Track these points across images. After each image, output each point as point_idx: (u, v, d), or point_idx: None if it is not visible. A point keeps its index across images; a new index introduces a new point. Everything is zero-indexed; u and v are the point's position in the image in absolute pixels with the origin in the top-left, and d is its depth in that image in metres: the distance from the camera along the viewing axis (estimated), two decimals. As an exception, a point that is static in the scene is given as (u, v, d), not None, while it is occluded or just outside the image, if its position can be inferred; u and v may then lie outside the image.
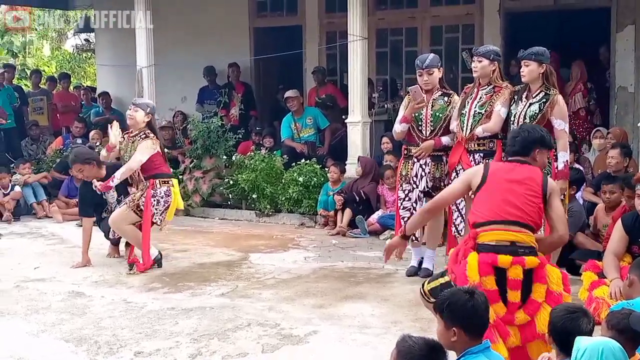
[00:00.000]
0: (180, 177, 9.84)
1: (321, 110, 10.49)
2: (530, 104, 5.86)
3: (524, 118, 5.85)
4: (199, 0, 11.99)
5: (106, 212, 7.14)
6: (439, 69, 6.37)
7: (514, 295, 3.85)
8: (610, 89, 9.67)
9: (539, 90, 5.86)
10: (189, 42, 12.13)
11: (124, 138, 6.97)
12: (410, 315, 5.42)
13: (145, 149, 6.77)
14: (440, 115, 6.33)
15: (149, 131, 6.87)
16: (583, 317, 3.32)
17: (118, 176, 6.76)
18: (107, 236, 7.26)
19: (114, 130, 6.94)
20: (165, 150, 10.23)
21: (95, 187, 6.89)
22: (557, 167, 5.74)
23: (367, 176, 8.69)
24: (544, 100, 5.82)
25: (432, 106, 6.31)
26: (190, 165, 9.76)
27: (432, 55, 6.44)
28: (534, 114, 5.80)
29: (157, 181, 6.83)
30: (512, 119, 5.95)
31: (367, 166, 8.73)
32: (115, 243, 7.38)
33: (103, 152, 7.13)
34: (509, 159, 4.28)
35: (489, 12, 10.21)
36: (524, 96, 5.95)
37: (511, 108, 5.99)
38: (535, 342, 3.86)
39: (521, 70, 5.92)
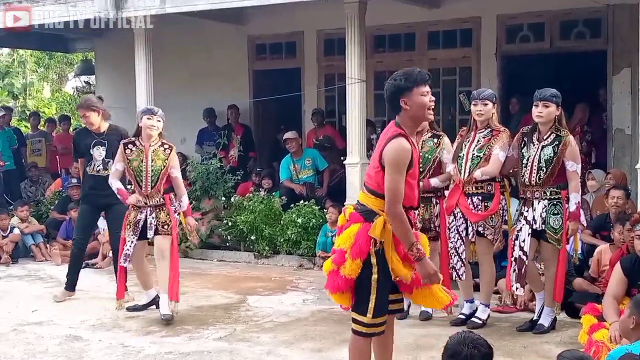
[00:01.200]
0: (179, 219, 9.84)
1: (319, 151, 10.53)
2: (543, 147, 5.87)
3: (539, 161, 5.86)
4: (200, 43, 12.11)
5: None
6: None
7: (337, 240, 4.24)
8: (607, 131, 9.73)
9: (549, 132, 5.88)
10: (189, 84, 12.23)
11: (131, 149, 6.65)
12: (410, 358, 5.38)
13: (178, 163, 6.74)
14: (430, 156, 6.34)
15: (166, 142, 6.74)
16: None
17: (185, 203, 6.72)
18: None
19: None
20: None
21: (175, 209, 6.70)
22: (568, 209, 5.79)
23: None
24: (557, 142, 5.83)
25: (422, 147, 6.33)
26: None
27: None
28: (549, 157, 5.81)
29: (172, 195, 6.70)
30: (524, 162, 5.94)
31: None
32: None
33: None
34: None
35: (486, 55, 10.32)
36: (534, 138, 5.94)
37: (522, 152, 5.98)
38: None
39: (539, 111, 5.86)
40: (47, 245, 9.93)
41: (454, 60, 10.72)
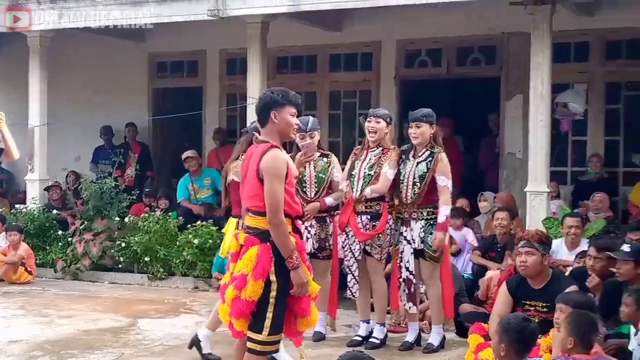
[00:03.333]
0: (70, 239, 9.55)
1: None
2: (418, 163, 6.05)
3: (414, 177, 6.04)
4: (98, 59, 11.83)
5: None
6: (318, 131, 6.41)
7: (231, 267, 4.37)
8: (499, 155, 10.00)
9: (424, 149, 6.06)
10: (86, 101, 11.93)
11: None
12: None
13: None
14: (323, 176, 6.36)
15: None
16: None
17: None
18: None
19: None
20: (55, 211, 10.05)
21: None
22: (437, 220, 5.93)
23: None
24: (430, 158, 6.02)
25: (315, 167, 6.35)
26: (81, 227, 9.46)
27: (312, 118, 6.48)
28: (423, 173, 6.00)
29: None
30: (401, 178, 6.11)
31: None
32: None
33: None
34: None
35: (385, 79, 10.47)
36: (411, 155, 6.13)
37: (400, 168, 6.11)
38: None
39: (413, 132, 6.08)
40: None
41: (355, 83, 10.84)
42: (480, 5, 8.54)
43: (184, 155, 10.26)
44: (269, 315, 4.18)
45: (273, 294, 4.18)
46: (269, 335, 4.20)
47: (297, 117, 4.63)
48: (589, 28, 9.31)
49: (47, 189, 10.37)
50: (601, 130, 9.61)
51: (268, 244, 4.19)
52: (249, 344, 4.26)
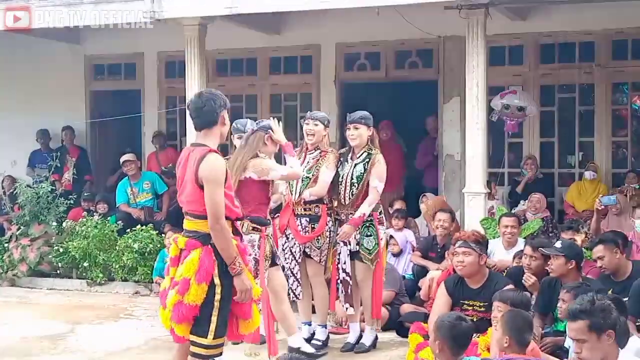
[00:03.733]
0: (6, 245, 9.35)
1: (163, 177, 10.31)
2: (356, 165, 6.11)
3: (351, 178, 6.10)
4: (33, 61, 11.58)
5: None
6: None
7: (171, 271, 4.32)
8: (438, 157, 10.16)
9: (362, 151, 6.12)
10: (21, 104, 11.63)
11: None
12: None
13: None
14: None
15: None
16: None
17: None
18: None
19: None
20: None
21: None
22: (354, 215, 6.01)
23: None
24: (367, 160, 6.10)
25: None
26: (17, 233, 9.28)
27: (249, 120, 6.50)
28: (360, 174, 6.06)
29: None
30: (340, 180, 6.16)
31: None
32: None
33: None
34: None
35: (325, 82, 10.53)
36: (349, 157, 6.19)
37: (338, 170, 6.17)
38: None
39: (351, 133, 6.15)
40: None
41: (295, 86, 10.87)
42: (416, 10, 8.65)
43: (122, 159, 10.14)
44: (214, 319, 4.14)
45: (218, 297, 4.14)
46: (214, 338, 4.17)
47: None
48: (522, 32, 9.54)
49: None
50: (536, 132, 9.85)
51: (209, 246, 4.15)
52: (194, 349, 4.21)
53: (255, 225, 5.57)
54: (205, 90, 4.46)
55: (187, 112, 4.45)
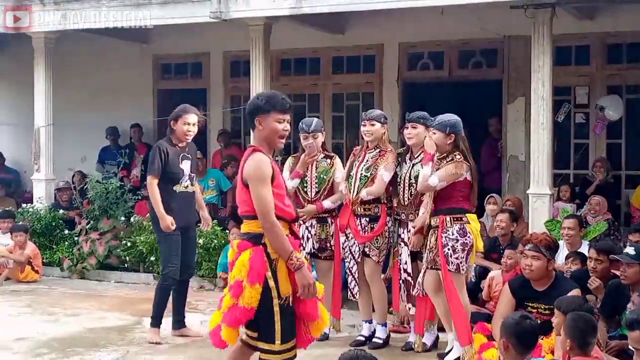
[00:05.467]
0: (76, 238, 9.63)
1: (223, 171, 10.49)
2: (414, 164, 6.08)
3: (409, 179, 6.07)
4: (102, 60, 11.91)
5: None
6: (322, 133, 6.49)
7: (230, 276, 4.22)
8: (502, 157, 10.06)
9: (420, 151, 6.06)
10: (91, 101, 11.99)
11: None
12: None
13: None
14: (325, 177, 6.42)
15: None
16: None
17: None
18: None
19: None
20: (62, 211, 10.13)
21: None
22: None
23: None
24: None
25: (317, 168, 6.43)
26: (87, 227, 9.54)
27: (316, 119, 6.58)
28: (418, 174, 5.93)
29: None
30: (398, 180, 6.15)
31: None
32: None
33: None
34: None
35: (388, 81, 10.55)
36: (407, 158, 6.17)
37: (397, 170, 6.16)
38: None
39: (408, 132, 6.12)
40: None
41: (358, 85, 10.92)
42: (481, 9, 8.62)
43: (189, 156, 10.32)
44: (277, 323, 4.03)
45: (276, 300, 4.04)
46: (282, 343, 4.05)
47: (301, 119, 4.73)
48: (589, 32, 9.39)
49: (58, 189, 10.48)
50: (603, 133, 9.68)
51: (260, 246, 4.07)
52: (263, 356, 4.10)
53: None
54: (260, 93, 4.43)
55: None
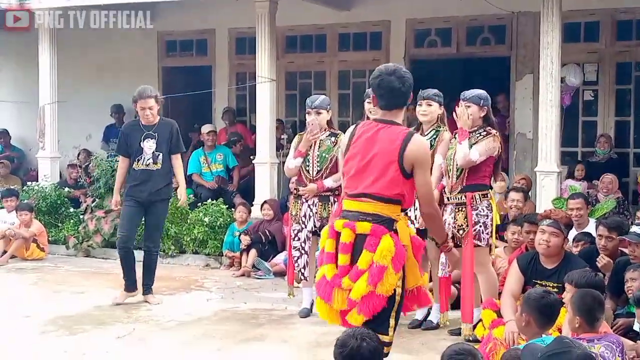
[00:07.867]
0: (82, 216, 9.61)
1: (231, 149, 10.47)
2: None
3: None
4: (106, 38, 11.81)
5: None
6: (327, 110, 6.40)
7: (343, 259, 3.89)
8: (509, 135, 10.00)
9: (431, 128, 6.03)
10: (95, 79, 11.94)
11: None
12: (310, 356, 5.38)
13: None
14: (327, 155, 6.34)
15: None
16: (468, 357, 3.36)
17: None
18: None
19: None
20: (67, 189, 10.12)
21: None
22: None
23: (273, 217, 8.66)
24: (435, 136, 6.01)
25: (319, 146, 6.35)
26: (92, 205, 9.52)
27: (322, 96, 6.50)
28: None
29: None
30: None
31: (274, 208, 8.71)
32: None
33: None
34: None
35: (395, 58, 10.41)
36: None
37: None
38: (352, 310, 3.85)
39: (422, 110, 6.03)
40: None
41: (364, 62, 10.81)
42: (490, -16, 8.52)
43: (206, 129, 10.33)
44: (393, 314, 3.84)
45: (399, 290, 3.83)
46: (392, 336, 3.88)
47: (307, 97, 4.58)
48: (598, 8, 9.28)
49: (70, 165, 10.47)
50: (611, 110, 9.60)
51: (394, 233, 3.84)
52: None
53: None
54: (400, 69, 3.96)
55: (371, 86, 3.99)
